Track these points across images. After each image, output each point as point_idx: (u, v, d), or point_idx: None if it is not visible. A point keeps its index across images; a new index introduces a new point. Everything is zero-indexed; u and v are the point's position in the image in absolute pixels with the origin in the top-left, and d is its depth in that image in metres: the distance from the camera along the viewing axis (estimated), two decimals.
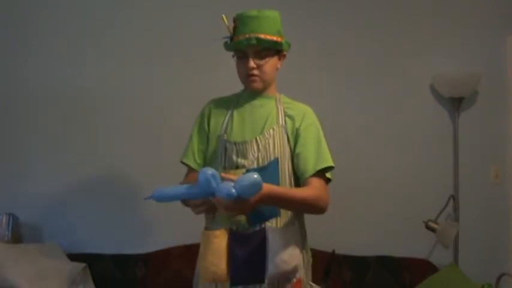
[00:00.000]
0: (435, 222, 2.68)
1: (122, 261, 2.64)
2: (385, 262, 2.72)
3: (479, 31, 2.94)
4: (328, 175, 1.79)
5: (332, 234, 2.77)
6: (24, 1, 2.82)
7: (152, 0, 2.87)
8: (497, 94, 2.95)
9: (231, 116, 1.85)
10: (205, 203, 1.64)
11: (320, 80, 2.87)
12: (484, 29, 2.95)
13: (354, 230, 2.81)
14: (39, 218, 2.73)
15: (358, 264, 2.70)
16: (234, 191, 1.49)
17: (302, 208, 1.77)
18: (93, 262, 2.55)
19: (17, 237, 2.61)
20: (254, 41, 1.74)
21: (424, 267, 2.71)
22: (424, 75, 2.90)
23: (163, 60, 2.84)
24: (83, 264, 2.46)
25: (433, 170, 2.88)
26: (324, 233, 2.76)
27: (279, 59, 1.85)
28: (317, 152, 1.77)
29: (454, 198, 2.81)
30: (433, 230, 2.66)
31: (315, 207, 1.74)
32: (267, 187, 1.58)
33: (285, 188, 1.75)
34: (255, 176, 1.50)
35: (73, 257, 2.52)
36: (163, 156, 2.55)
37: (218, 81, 2.45)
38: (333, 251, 2.54)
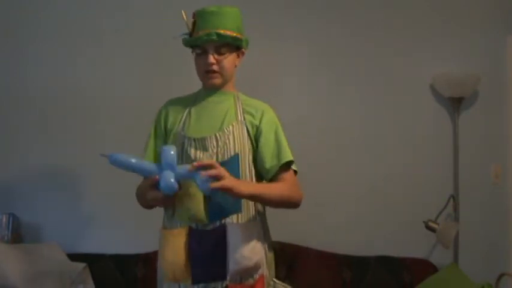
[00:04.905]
0: (435, 222, 2.68)
1: (122, 261, 2.64)
2: (385, 262, 2.71)
3: (479, 31, 2.94)
4: (294, 167, 1.81)
5: (332, 234, 2.78)
6: (24, 1, 2.83)
7: (152, 0, 2.87)
8: (497, 94, 2.94)
9: (189, 113, 1.86)
10: (164, 199, 1.67)
11: (319, 80, 2.87)
12: (484, 29, 2.94)
13: (354, 230, 2.81)
14: (39, 218, 2.74)
15: (358, 264, 2.69)
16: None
17: (278, 203, 1.78)
18: (93, 262, 2.55)
19: (17, 237, 2.61)
20: (215, 36, 1.74)
21: (424, 267, 2.70)
22: (424, 75, 2.90)
23: (164, 60, 2.84)
24: (83, 264, 2.47)
25: (433, 170, 2.88)
26: (323, 233, 2.78)
27: (238, 56, 1.86)
28: (278, 148, 1.79)
29: (454, 198, 2.81)
30: (433, 230, 2.66)
31: (290, 203, 1.79)
32: (247, 186, 1.68)
33: (263, 184, 1.80)
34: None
35: (73, 257, 2.52)
36: None
37: None
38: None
